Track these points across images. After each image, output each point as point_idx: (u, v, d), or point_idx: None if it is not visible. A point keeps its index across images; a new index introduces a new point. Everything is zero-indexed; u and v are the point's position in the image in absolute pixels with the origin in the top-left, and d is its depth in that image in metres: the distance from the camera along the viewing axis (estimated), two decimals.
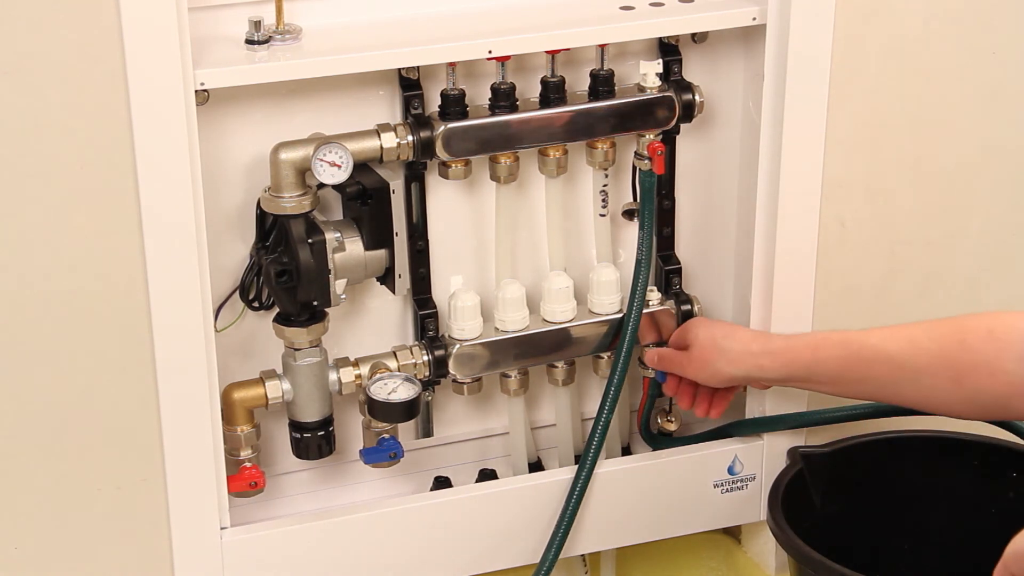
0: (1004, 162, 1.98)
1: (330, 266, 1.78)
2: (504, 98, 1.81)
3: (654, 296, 1.94)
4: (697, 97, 1.87)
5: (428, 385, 1.90)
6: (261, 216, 1.80)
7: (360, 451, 1.91)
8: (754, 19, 1.83)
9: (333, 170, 1.75)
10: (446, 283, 1.92)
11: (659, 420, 2.04)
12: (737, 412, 2.06)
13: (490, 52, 1.75)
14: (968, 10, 1.88)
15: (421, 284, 1.89)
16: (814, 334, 1.86)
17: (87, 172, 1.63)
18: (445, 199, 1.90)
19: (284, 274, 1.77)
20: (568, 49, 1.83)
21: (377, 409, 1.84)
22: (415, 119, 1.79)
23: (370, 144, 1.77)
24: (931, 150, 1.92)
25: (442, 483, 2.00)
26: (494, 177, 1.87)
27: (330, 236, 1.78)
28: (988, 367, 1.63)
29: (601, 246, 1.95)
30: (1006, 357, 1.61)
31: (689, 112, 1.87)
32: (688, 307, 1.96)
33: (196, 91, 1.64)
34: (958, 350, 1.65)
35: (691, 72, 1.90)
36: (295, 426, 1.87)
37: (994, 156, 1.97)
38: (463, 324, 1.87)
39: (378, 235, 1.82)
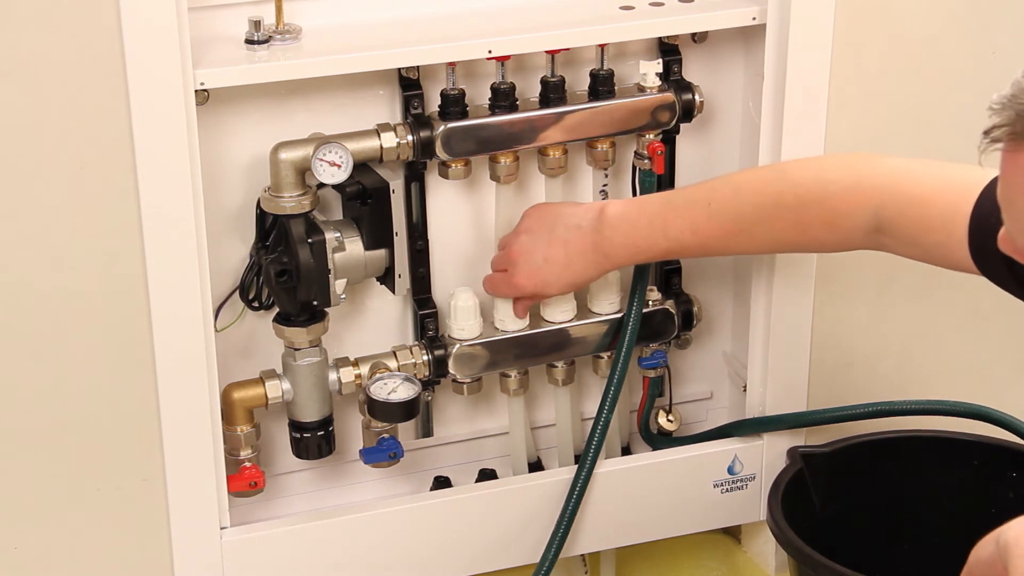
0: None
1: (330, 266, 1.78)
2: (504, 98, 1.81)
3: (654, 296, 1.94)
4: (697, 97, 1.87)
5: (428, 385, 1.90)
6: (261, 216, 1.80)
7: (360, 451, 1.91)
8: (754, 19, 1.83)
9: (333, 170, 1.75)
10: (446, 283, 1.92)
11: (659, 420, 2.04)
12: (737, 412, 2.06)
13: (490, 52, 1.75)
14: (968, 10, 1.88)
15: (421, 284, 1.89)
16: (649, 244, 1.76)
17: (87, 172, 1.63)
18: (445, 199, 1.90)
19: (284, 274, 1.77)
20: (568, 49, 1.83)
21: (377, 409, 1.84)
22: (415, 119, 1.79)
23: (370, 144, 1.77)
24: (931, 150, 1.92)
25: (442, 483, 2.00)
26: (494, 177, 1.87)
27: (330, 236, 1.78)
28: (842, 244, 1.68)
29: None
30: (854, 238, 1.65)
31: (689, 112, 1.87)
32: (688, 307, 1.96)
33: (196, 91, 1.64)
34: (807, 242, 1.71)
35: (691, 72, 1.90)
36: (295, 426, 1.87)
37: (994, 156, 1.96)
38: (463, 324, 1.87)
39: (378, 235, 1.82)
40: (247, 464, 1.85)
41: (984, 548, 1.30)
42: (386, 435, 1.90)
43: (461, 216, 1.91)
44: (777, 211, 1.68)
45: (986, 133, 1.17)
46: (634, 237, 1.75)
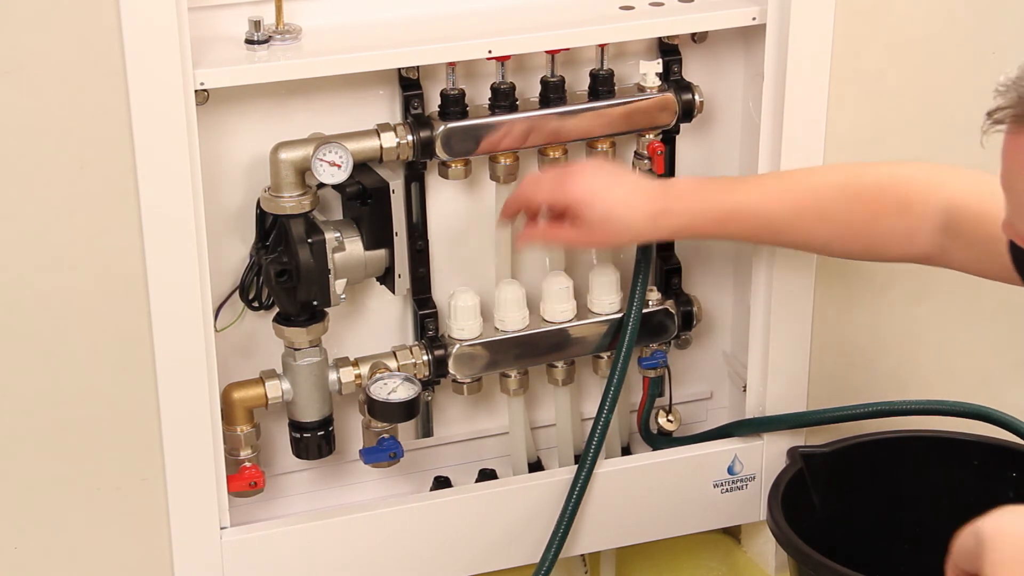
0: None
1: (330, 266, 1.78)
2: (504, 98, 1.81)
3: (654, 296, 1.94)
4: (697, 97, 1.87)
5: (428, 385, 1.90)
6: (261, 216, 1.80)
7: (360, 451, 1.91)
8: (754, 19, 1.83)
9: (333, 170, 1.75)
10: (446, 283, 1.92)
11: (659, 420, 2.04)
12: (737, 412, 2.06)
13: (490, 52, 1.75)
14: (968, 10, 1.88)
15: (421, 284, 1.89)
16: (717, 202, 1.73)
17: (87, 172, 1.63)
18: (445, 199, 1.90)
19: (284, 274, 1.77)
20: (568, 49, 1.83)
21: (377, 409, 1.84)
22: (415, 119, 1.79)
23: (370, 144, 1.77)
24: (931, 150, 1.92)
25: (442, 483, 2.00)
26: (494, 177, 1.87)
27: (330, 236, 1.78)
28: (900, 240, 1.65)
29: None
30: (919, 232, 1.63)
31: (689, 112, 1.87)
32: (688, 307, 1.96)
33: (196, 91, 1.65)
34: (871, 227, 1.67)
35: (691, 72, 1.90)
36: (295, 426, 1.87)
37: (994, 156, 1.96)
38: (463, 324, 1.87)
39: (378, 235, 1.82)
40: (247, 464, 1.85)
41: (966, 540, 1.33)
42: (386, 435, 1.90)
43: (461, 216, 1.91)
44: (852, 189, 1.68)
45: (989, 115, 1.20)
46: (702, 192, 1.73)
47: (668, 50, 1.87)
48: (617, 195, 1.72)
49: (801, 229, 1.71)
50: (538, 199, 1.75)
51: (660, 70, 1.84)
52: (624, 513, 1.97)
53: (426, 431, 1.98)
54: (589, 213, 1.71)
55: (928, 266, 1.71)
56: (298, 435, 1.87)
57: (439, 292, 1.91)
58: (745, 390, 2.01)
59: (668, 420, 2.04)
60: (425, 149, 1.79)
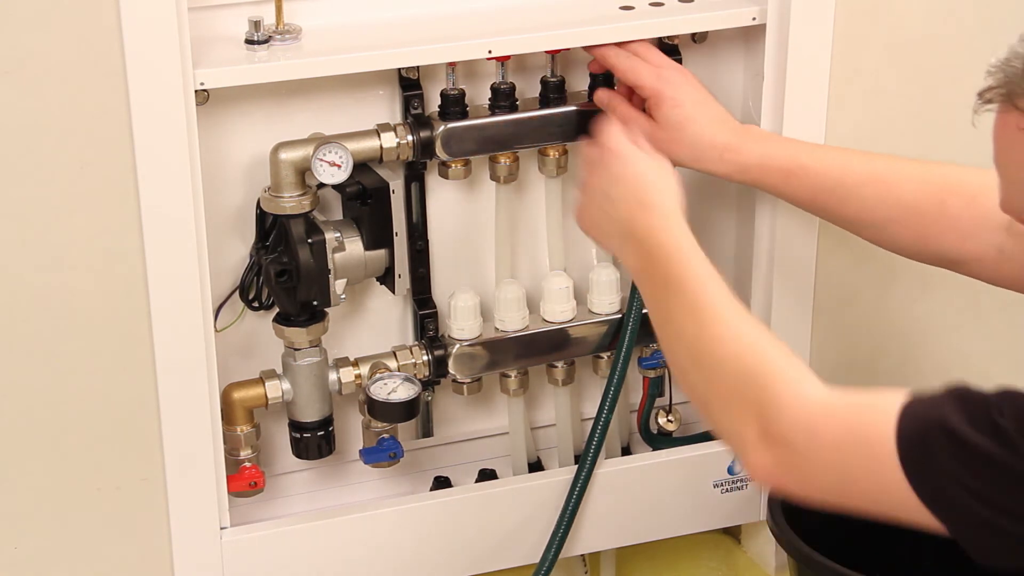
0: None
1: (330, 266, 1.78)
2: (504, 98, 1.81)
3: None
4: None
5: (428, 385, 1.90)
6: (261, 216, 1.80)
7: (360, 451, 1.91)
8: (754, 19, 1.83)
9: (333, 170, 1.75)
10: (446, 283, 1.92)
11: (659, 420, 2.04)
12: None
13: (490, 52, 1.75)
14: (968, 10, 1.88)
15: (421, 284, 1.89)
16: (786, 154, 1.74)
17: (87, 172, 1.63)
18: (445, 199, 1.90)
19: (284, 274, 1.77)
20: (568, 49, 1.83)
21: (377, 409, 1.84)
22: (415, 119, 1.79)
23: (370, 144, 1.77)
24: (931, 150, 1.92)
25: (442, 483, 2.00)
26: (494, 177, 1.87)
27: (330, 236, 1.78)
28: (960, 232, 1.64)
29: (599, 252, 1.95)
30: (982, 226, 1.62)
31: None
32: None
33: (196, 91, 1.64)
34: (937, 210, 1.65)
35: (691, 72, 1.90)
36: (295, 426, 1.87)
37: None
38: (463, 324, 1.87)
39: (378, 235, 1.82)
40: (247, 464, 1.85)
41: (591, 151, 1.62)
42: (386, 435, 1.90)
43: (461, 216, 1.91)
44: (928, 172, 1.68)
45: (980, 95, 1.24)
46: (779, 140, 1.77)
47: (668, 50, 1.87)
48: (702, 113, 1.74)
49: (864, 200, 1.70)
50: (632, 76, 1.76)
51: None
52: (624, 513, 1.97)
53: (426, 431, 1.98)
54: (670, 113, 1.74)
55: (929, 266, 1.71)
56: (298, 435, 1.87)
57: (439, 292, 1.91)
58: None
59: (668, 420, 2.04)
60: (425, 149, 1.79)
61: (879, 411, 1.30)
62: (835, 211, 1.73)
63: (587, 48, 1.80)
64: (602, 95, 1.82)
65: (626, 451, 2.06)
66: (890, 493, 1.29)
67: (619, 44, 1.78)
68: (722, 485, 2.00)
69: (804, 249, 1.92)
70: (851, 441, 1.32)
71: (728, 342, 1.43)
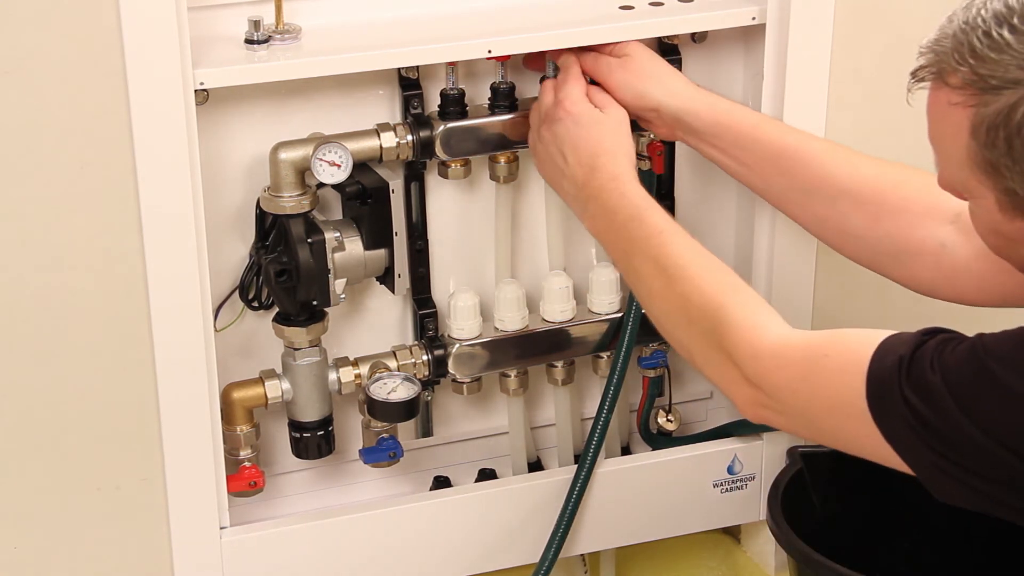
0: None
1: (330, 266, 1.78)
2: (504, 98, 1.81)
3: None
4: None
5: (428, 385, 1.90)
6: (261, 216, 1.80)
7: (360, 451, 1.91)
8: (754, 19, 1.83)
9: (333, 170, 1.75)
10: (446, 283, 1.92)
11: (659, 420, 2.04)
12: (737, 412, 2.06)
13: (490, 52, 1.75)
14: None
15: (420, 284, 1.89)
16: (758, 114, 1.80)
17: (87, 172, 1.63)
18: (445, 199, 1.90)
19: (284, 274, 1.77)
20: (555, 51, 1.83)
21: (377, 409, 1.84)
22: (415, 119, 1.79)
23: (370, 144, 1.77)
24: (930, 151, 1.92)
25: (442, 483, 2.00)
26: (494, 177, 1.87)
27: (330, 236, 1.78)
28: (910, 217, 1.66)
29: (600, 246, 1.94)
30: (931, 215, 1.64)
31: None
32: None
33: (196, 91, 1.64)
34: (892, 189, 1.68)
35: (691, 72, 1.90)
36: (295, 426, 1.87)
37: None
38: (462, 324, 1.87)
39: (378, 235, 1.82)
40: (247, 464, 1.85)
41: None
42: (386, 435, 1.90)
43: (461, 216, 1.91)
44: (881, 160, 1.71)
45: (913, 74, 1.33)
46: (745, 107, 1.79)
47: (668, 50, 1.87)
48: (666, 67, 1.78)
49: (824, 168, 1.71)
50: (592, 53, 1.78)
51: None
52: (624, 513, 1.97)
53: (426, 431, 1.98)
54: (635, 52, 1.77)
55: (889, 279, 1.72)
56: (298, 435, 1.87)
57: (439, 292, 1.91)
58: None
59: (668, 420, 2.04)
60: (425, 149, 1.79)
61: (846, 353, 1.39)
62: (791, 175, 1.73)
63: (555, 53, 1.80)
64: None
65: (626, 451, 2.06)
66: (856, 429, 1.38)
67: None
68: (722, 485, 2.00)
69: (804, 246, 1.92)
70: (816, 380, 1.40)
71: (695, 295, 1.53)
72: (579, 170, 1.69)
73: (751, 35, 1.89)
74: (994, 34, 1.27)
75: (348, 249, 1.80)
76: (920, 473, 1.36)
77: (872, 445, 1.37)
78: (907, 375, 1.33)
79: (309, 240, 1.77)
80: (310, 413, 1.86)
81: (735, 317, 1.49)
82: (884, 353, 1.36)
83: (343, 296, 1.80)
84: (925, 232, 1.65)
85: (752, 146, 1.74)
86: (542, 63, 1.82)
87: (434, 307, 1.90)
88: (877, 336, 1.38)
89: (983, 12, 1.28)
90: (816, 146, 1.73)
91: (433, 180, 1.86)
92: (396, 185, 1.80)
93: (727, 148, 1.76)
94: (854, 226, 1.70)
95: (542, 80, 1.81)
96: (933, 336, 1.35)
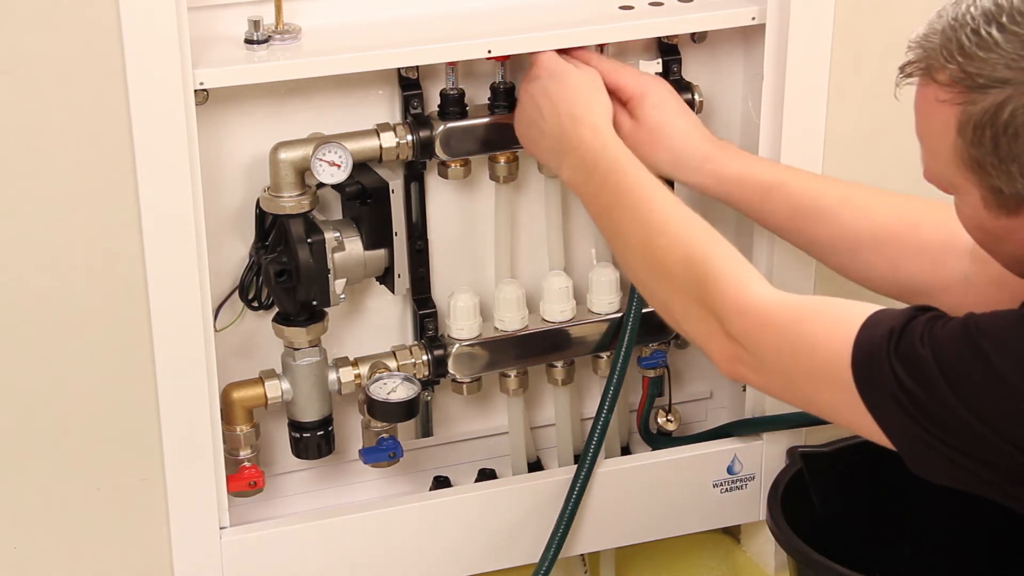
0: None
1: (330, 266, 1.78)
2: (504, 98, 1.81)
3: None
4: (697, 97, 1.87)
5: (427, 385, 1.90)
6: (261, 216, 1.80)
7: (359, 451, 1.91)
8: (753, 19, 1.83)
9: (332, 170, 1.75)
10: (445, 283, 1.92)
11: (658, 420, 2.04)
12: (737, 412, 2.06)
13: (490, 52, 1.75)
14: None
15: (420, 284, 1.89)
16: (769, 177, 1.75)
17: (87, 172, 1.63)
18: (444, 199, 1.90)
19: (284, 274, 1.77)
20: (568, 49, 1.82)
21: (376, 409, 1.84)
22: (414, 119, 1.79)
23: (369, 144, 1.77)
24: None
25: (441, 483, 2.00)
26: (493, 177, 1.87)
27: (329, 236, 1.78)
28: (931, 258, 1.65)
29: (600, 245, 1.94)
30: (950, 252, 1.63)
31: None
32: None
33: (196, 91, 1.65)
34: (911, 234, 1.67)
35: (691, 72, 1.90)
36: (294, 426, 1.87)
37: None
38: (462, 324, 1.87)
39: (377, 235, 1.82)
40: (247, 464, 1.85)
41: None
42: (386, 435, 1.90)
43: (461, 216, 1.91)
44: (893, 197, 1.70)
45: (901, 69, 1.33)
46: (756, 158, 1.79)
47: (668, 50, 1.87)
48: (683, 119, 1.76)
49: (841, 223, 1.70)
50: (615, 75, 1.76)
51: (660, 70, 1.84)
52: (624, 513, 1.97)
53: (426, 431, 1.98)
54: (651, 112, 1.75)
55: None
56: (298, 435, 1.87)
57: (439, 292, 1.91)
58: (745, 390, 2.01)
59: (668, 420, 2.04)
60: (425, 149, 1.79)
61: (834, 320, 1.38)
62: (810, 233, 1.73)
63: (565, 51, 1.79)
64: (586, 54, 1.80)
65: (626, 451, 2.06)
66: (836, 397, 1.36)
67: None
68: (722, 485, 2.00)
69: (802, 270, 1.92)
70: (801, 343, 1.39)
71: (676, 248, 1.52)
72: (556, 122, 1.69)
73: (751, 35, 1.89)
74: (983, 32, 1.27)
75: (348, 249, 1.80)
76: (900, 447, 1.35)
77: (852, 414, 1.36)
78: (896, 347, 1.32)
79: (309, 240, 1.77)
80: (310, 413, 1.86)
81: (721, 272, 1.47)
82: (874, 324, 1.35)
83: (343, 296, 1.80)
84: (947, 270, 1.64)
85: (764, 213, 1.75)
86: None
87: (434, 307, 1.90)
88: (868, 308, 1.37)
89: (972, 9, 1.28)
90: (829, 200, 1.71)
91: (433, 180, 1.86)
92: (396, 185, 1.80)
93: (741, 210, 1.77)
94: (878, 271, 1.70)
95: None
96: (924, 312, 1.34)
